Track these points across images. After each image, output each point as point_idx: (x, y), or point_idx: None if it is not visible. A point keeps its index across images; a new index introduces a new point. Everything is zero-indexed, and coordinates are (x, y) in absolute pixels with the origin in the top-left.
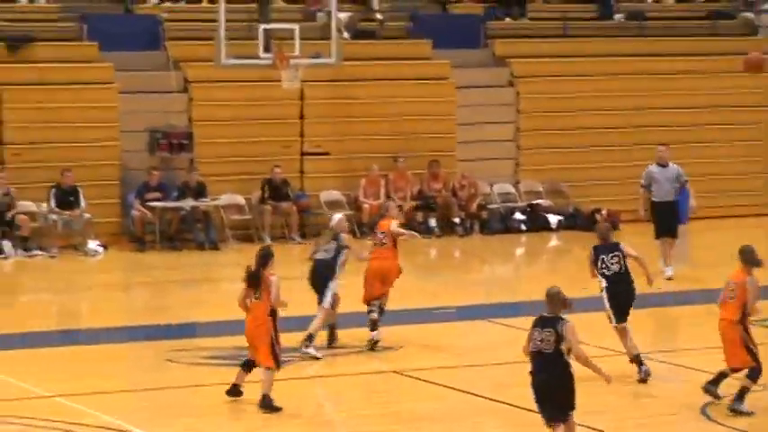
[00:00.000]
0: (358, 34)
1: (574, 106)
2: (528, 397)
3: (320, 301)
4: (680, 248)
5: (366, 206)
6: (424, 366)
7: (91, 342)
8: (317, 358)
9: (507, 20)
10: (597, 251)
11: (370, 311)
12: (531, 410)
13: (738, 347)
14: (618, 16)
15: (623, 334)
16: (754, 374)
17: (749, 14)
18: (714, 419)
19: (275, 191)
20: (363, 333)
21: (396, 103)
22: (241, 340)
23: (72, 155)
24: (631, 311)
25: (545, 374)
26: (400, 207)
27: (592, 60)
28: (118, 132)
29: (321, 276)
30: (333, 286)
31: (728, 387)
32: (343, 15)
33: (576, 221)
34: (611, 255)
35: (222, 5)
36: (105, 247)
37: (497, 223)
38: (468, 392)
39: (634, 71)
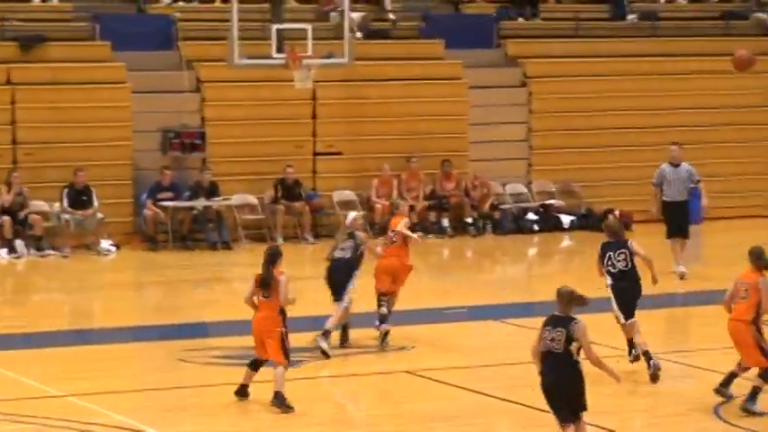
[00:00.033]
0: (370, 34)
1: (586, 106)
2: (540, 397)
3: (336, 300)
4: (693, 248)
5: (378, 206)
6: (436, 366)
7: (103, 342)
8: (327, 356)
9: (520, 20)
10: (605, 248)
11: (380, 305)
12: (543, 410)
13: (752, 348)
14: (631, 17)
15: (631, 331)
16: (767, 374)
17: (762, 15)
18: (726, 420)
19: (288, 191)
20: (375, 333)
21: (408, 103)
22: (253, 340)
23: (84, 154)
24: (643, 311)
25: (554, 375)
26: (412, 207)
27: (604, 61)
28: (130, 132)
29: (339, 275)
30: (352, 285)
31: (740, 387)
32: (356, 15)
33: (589, 222)
34: (618, 251)
35: (235, 5)
36: (118, 246)
37: (510, 223)
38: (481, 393)
39: (646, 71)
